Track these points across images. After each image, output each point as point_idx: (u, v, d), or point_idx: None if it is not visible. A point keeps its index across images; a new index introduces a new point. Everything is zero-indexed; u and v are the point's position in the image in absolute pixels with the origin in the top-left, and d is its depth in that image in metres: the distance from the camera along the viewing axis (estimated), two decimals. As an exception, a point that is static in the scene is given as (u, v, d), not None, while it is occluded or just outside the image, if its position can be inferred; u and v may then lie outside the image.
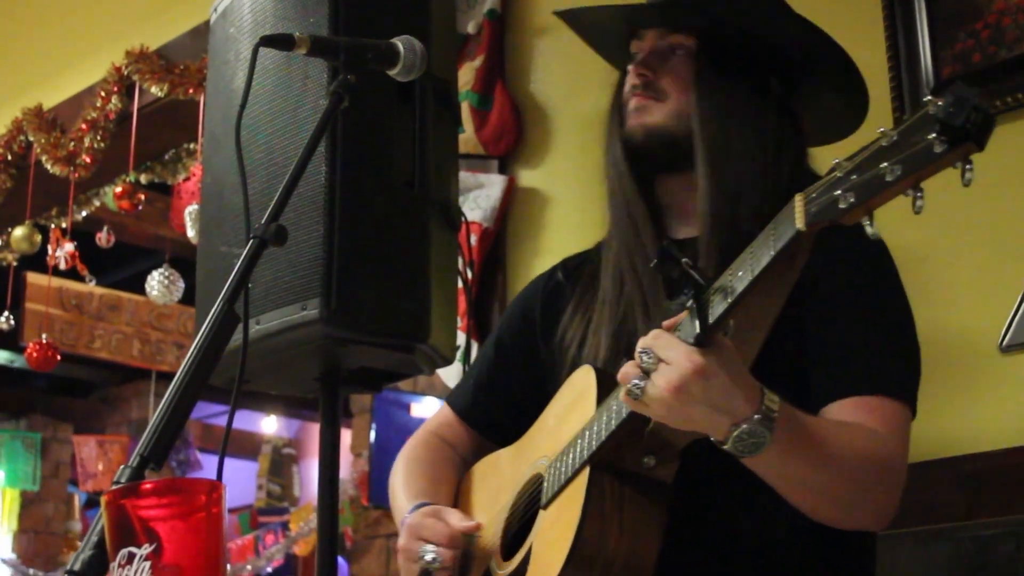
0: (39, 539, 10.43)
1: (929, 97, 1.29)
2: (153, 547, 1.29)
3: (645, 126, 2.00)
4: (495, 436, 2.20)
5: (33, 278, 7.75)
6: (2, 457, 9.78)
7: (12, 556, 9.93)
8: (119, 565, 1.30)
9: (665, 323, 1.60)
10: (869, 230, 1.33)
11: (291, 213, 2.25)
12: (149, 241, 7.55)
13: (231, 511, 9.51)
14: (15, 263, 5.72)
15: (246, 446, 10.95)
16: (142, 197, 4.73)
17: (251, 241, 1.73)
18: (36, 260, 5.73)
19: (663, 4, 2.07)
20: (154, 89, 4.37)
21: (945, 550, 2.31)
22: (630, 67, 2.05)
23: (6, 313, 5.55)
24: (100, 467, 9.40)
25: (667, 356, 1.54)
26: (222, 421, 9.57)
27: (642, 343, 1.58)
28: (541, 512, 1.86)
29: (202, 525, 1.33)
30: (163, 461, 1.55)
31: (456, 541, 1.96)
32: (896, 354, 1.87)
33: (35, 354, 5.37)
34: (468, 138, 3.64)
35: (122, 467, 1.52)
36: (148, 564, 1.29)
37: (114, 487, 1.42)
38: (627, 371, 1.59)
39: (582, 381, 1.90)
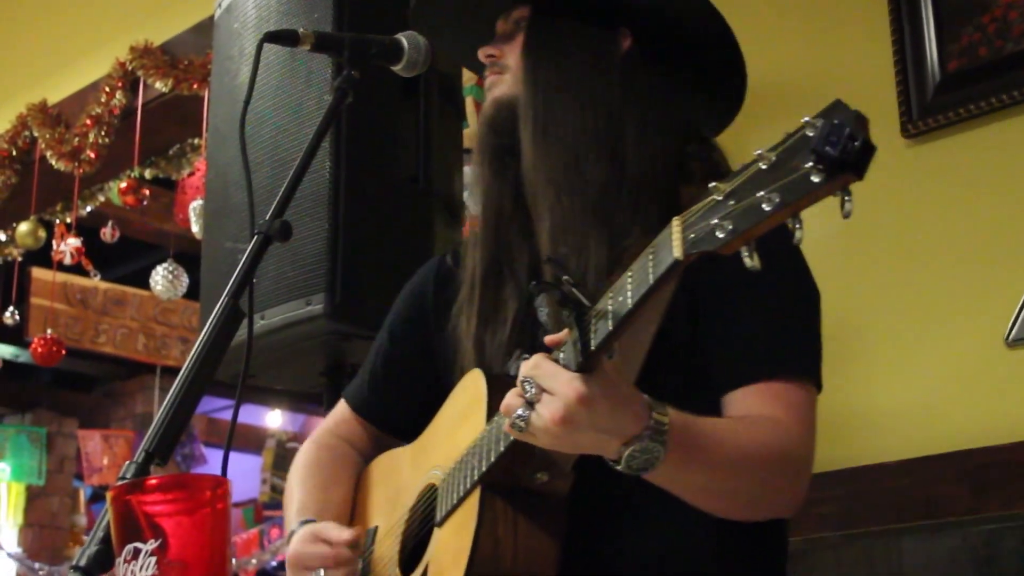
0: (44, 533, 10.43)
1: (807, 119, 1.21)
2: (159, 543, 1.29)
3: (493, 98, 1.98)
4: (393, 430, 2.13)
5: (38, 273, 7.77)
6: (7, 452, 9.79)
7: (18, 550, 9.94)
8: (125, 560, 1.30)
9: (547, 340, 1.55)
10: (748, 262, 1.26)
11: (295, 209, 2.25)
12: (153, 236, 7.55)
13: (235, 505, 9.52)
14: (20, 258, 5.72)
15: (250, 440, 10.95)
16: (147, 193, 4.73)
17: (255, 237, 1.71)
18: (41, 255, 5.74)
19: None
20: (158, 84, 4.37)
21: (951, 544, 2.31)
22: (480, 54, 2.02)
23: (11, 308, 5.56)
24: (105, 461, 9.41)
25: (550, 386, 1.49)
26: (227, 415, 9.58)
27: (524, 372, 1.52)
28: (436, 529, 1.81)
29: (207, 521, 1.33)
30: (168, 457, 1.55)
31: (342, 557, 1.89)
32: (793, 334, 1.83)
33: (40, 349, 5.38)
34: (472, 133, 3.64)
35: (127, 463, 1.52)
36: (154, 559, 1.29)
37: (120, 483, 1.42)
38: (510, 403, 1.55)
39: (472, 387, 1.84)
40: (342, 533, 1.89)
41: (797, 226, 1.22)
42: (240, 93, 3.00)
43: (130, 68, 4.49)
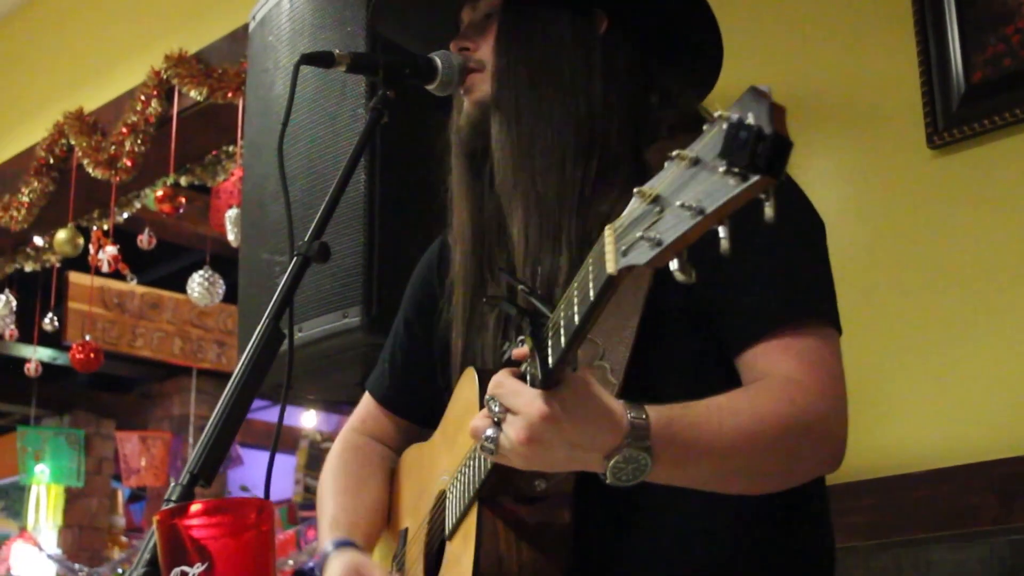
0: (84, 534, 10.52)
1: (719, 113, 1.10)
2: (205, 566, 1.33)
3: (475, 101, 1.92)
4: (420, 418, 2.09)
5: (75, 277, 7.85)
6: (47, 454, 9.88)
7: (57, 551, 10.03)
8: (172, 583, 1.34)
9: (515, 353, 1.50)
10: (679, 276, 1.16)
11: (332, 223, 2.28)
12: (189, 239, 7.61)
13: (272, 505, 9.53)
14: (58, 264, 5.78)
15: (284, 440, 10.96)
16: (183, 201, 4.77)
17: (295, 259, 1.75)
18: (78, 259, 5.79)
19: None
20: (193, 93, 4.38)
21: (979, 553, 2.32)
22: (452, 48, 1.94)
23: (50, 314, 5.62)
24: (143, 463, 9.48)
25: (513, 405, 1.44)
26: (262, 416, 9.63)
27: (489, 390, 1.48)
28: (447, 543, 1.79)
29: (252, 543, 1.36)
30: (212, 479, 1.58)
31: None
32: (794, 277, 1.72)
33: (79, 355, 5.44)
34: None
35: (173, 484, 1.55)
36: (201, 582, 1.33)
37: (165, 507, 1.46)
38: (476, 425, 1.50)
39: (468, 389, 1.80)
40: None
41: (723, 236, 1.12)
42: (275, 106, 3.04)
43: (165, 77, 4.51)
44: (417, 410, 2.12)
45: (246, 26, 3.40)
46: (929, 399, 2.50)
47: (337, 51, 1.91)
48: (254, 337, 1.68)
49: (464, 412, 1.78)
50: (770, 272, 1.71)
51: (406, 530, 2.01)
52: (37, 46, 5.53)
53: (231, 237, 4.44)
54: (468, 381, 1.80)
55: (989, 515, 2.31)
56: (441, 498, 1.85)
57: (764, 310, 1.69)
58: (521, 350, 1.47)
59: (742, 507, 1.70)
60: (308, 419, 11.27)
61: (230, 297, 4.22)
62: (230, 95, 4.29)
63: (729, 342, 1.71)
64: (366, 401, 2.20)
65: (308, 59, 1.91)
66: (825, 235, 1.80)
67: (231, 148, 4.76)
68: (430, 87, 1.97)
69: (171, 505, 1.50)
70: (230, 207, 4.74)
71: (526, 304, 1.46)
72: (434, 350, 2.03)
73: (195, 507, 1.40)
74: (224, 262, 5.64)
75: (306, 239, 1.77)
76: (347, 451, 2.15)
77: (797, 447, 1.63)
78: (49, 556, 9.62)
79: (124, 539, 10.70)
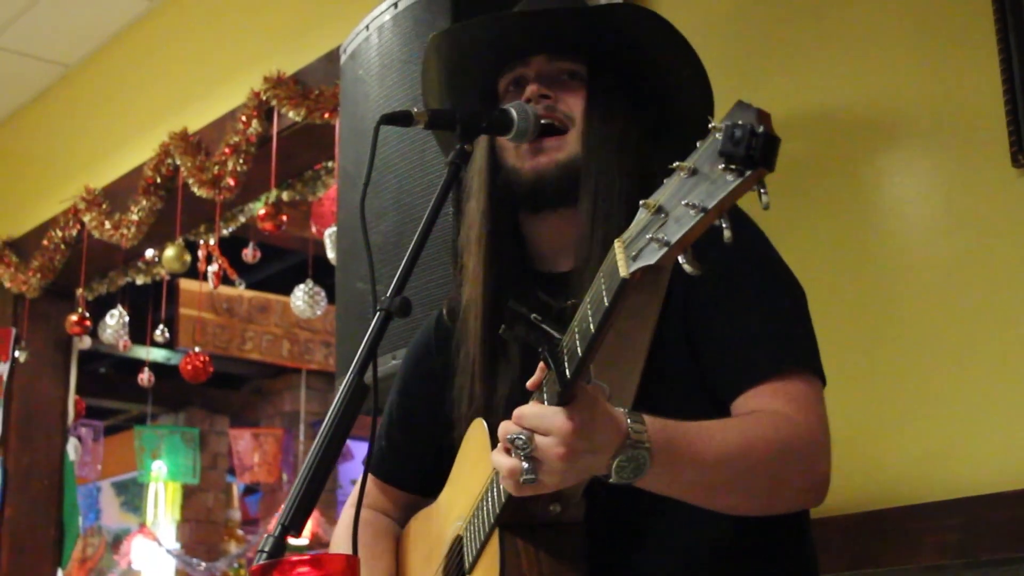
0: (200, 528, 10.78)
1: (712, 124, 1.27)
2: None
3: (559, 162, 1.98)
4: (421, 489, 2.19)
5: (186, 284, 8.06)
6: (164, 451, 10.13)
7: (176, 546, 10.29)
8: (265, 639, 1.43)
9: (528, 384, 1.64)
10: (687, 269, 1.32)
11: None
12: (292, 243, 7.75)
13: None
14: (168, 277, 5.93)
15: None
16: (284, 219, 4.87)
17: (377, 314, 1.81)
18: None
19: (557, 19, 2.03)
20: (291, 114, 4.46)
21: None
22: (531, 91, 2.01)
23: (161, 326, 5.79)
24: (256, 459, 9.69)
25: (542, 427, 1.57)
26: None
27: (515, 422, 1.60)
28: None
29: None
30: (302, 529, 1.67)
31: None
32: (781, 331, 1.87)
33: (189, 367, 5.59)
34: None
35: (266, 536, 1.64)
36: (292, 636, 1.42)
37: (259, 561, 1.56)
38: (502, 462, 1.63)
39: (477, 436, 1.91)
40: None
41: (724, 225, 1.27)
42: (367, 138, 3.11)
43: (264, 98, 4.60)
44: (416, 481, 2.21)
45: (341, 47, 3.47)
46: (1019, 417, 2.50)
47: (415, 110, 1.97)
48: (339, 392, 1.76)
49: (477, 459, 1.90)
50: (759, 327, 1.86)
51: None
52: (142, 69, 5.68)
53: (331, 255, 4.54)
54: (477, 431, 1.92)
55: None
56: (457, 543, 1.95)
57: (756, 361, 1.83)
58: (534, 379, 1.63)
59: (747, 527, 1.82)
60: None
61: (334, 297, 4.29)
62: (327, 116, 4.36)
63: (723, 392, 1.84)
64: (367, 479, 2.26)
65: (387, 119, 1.97)
66: (805, 297, 1.94)
67: (330, 164, 4.83)
68: (507, 137, 2.03)
69: (264, 558, 1.60)
70: (333, 213, 4.81)
71: (539, 330, 1.58)
72: (435, 421, 2.11)
73: (288, 562, 1.49)
74: (327, 264, 5.72)
75: (388, 294, 1.83)
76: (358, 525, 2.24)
77: (782, 471, 1.76)
78: (168, 551, 9.88)
79: (240, 532, 10.94)
